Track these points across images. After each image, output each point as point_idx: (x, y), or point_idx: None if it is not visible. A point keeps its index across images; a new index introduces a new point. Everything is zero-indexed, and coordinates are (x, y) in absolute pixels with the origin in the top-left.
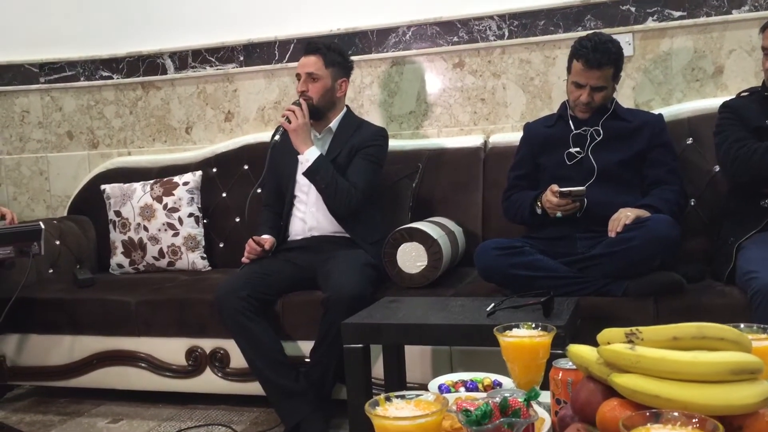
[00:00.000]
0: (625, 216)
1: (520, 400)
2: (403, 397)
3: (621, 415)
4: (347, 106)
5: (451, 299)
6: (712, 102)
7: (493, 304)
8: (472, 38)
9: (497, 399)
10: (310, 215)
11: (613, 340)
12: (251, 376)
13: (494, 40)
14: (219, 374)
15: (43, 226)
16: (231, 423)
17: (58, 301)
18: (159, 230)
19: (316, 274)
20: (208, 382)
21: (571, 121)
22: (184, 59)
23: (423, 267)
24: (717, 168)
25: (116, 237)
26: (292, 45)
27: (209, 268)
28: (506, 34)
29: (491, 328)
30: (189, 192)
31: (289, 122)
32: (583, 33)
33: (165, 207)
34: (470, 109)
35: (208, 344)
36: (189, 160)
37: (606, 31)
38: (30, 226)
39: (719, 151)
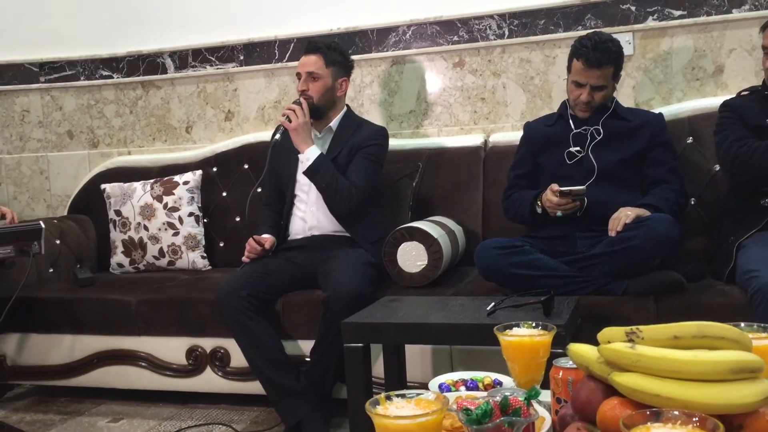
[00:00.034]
0: (625, 215)
1: (520, 399)
2: (403, 396)
3: (621, 414)
4: (347, 105)
5: (452, 298)
6: (712, 101)
7: (493, 304)
8: (473, 37)
9: (498, 398)
10: (310, 214)
11: (614, 339)
12: (251, 375)
13: (494, 40)
14: (219, 373)
15: (43, 226)
16: (231, 422)
17: (59, 301)
18: (159, 229)
19: (316, 274)
20: (209, 381)
21: (571, 121)
22: (184, 58)
23: (423, 266)
24: (717, 167)
25: (116, 236)
26: (292, 44)
27: (209, 267)
28: (506, 33)
29: (491, 327)
30: (189, 191)
31: (290, 121)
32: (584, 32)
33: (165, 206)
34: (470, 108)
35: (208, 343)
36: (189, 159)
37: (606, 30)
38: (30, 225)
39: (719, 150)
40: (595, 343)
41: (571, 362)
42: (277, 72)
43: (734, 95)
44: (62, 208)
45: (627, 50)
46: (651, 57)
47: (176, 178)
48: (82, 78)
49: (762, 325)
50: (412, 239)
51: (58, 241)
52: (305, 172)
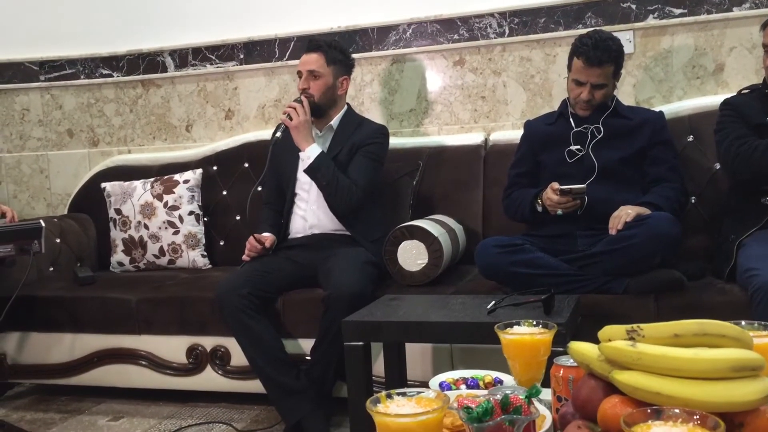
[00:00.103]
0: (625, 213)
1: (521, 397)
2: (404, 394)
3: (622, 412)
4: (348, 103)
5: (452, 297)
6: (712, 99)
7: (493, 302)
8: (473, 36)
9: (498, 396)
10: (310, 213)
11: (614, 337)
12: (252, 373)
13: (495, 38)
14: (220, 372)
15: (43, 224)
16: (231, 421)
17: (59, 299)
18: (159, 228)
19: (316, 272)
20: (209, 379)
21: (571, 119)
22: (185, 57)
23: (423, 265)
24: (717, 165)
25: (117, 235)
26: (293, 43)
27: (210, 266)
28: (507, 31)
29: (492, 325)
30: (189, 190)
31: (291, 119)
32: (584, 30)
33: (165, 205)
34: (471, 106)
35: (208, 342)
36: (189, 158)
37: (606, 28)
38: (30, 224)
39: (720, 149)
40: (596, 341)
41: (571, 360)
42: (277, 70)
43: (735, 93)
44: (62, 206)
45: (627, 48)
46: (651, 55)
47: (176, 176)
48: (82, 77)
49: (762, 323)
50: (413, 238)
51: (58, 240)
52: (306, 171)
